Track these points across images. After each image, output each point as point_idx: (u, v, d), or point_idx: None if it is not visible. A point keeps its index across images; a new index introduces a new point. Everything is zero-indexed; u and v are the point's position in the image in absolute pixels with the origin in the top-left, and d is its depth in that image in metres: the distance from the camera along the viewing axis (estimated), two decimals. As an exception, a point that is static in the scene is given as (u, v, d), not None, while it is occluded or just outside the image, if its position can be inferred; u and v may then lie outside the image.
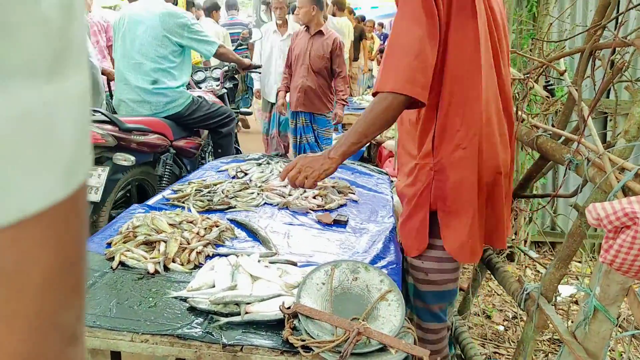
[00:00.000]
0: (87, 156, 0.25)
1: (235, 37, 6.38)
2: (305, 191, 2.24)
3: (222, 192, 2.20)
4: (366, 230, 1.94)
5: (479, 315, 2.82)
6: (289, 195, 2.24)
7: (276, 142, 4.96)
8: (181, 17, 3.28)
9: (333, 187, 2.37)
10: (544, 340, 2.65)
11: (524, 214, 3.09)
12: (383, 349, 1.16)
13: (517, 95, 2.56)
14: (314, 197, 2.22)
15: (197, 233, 1.70)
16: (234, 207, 2.09)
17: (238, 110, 4.39)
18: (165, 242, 1.62)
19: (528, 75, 2.14)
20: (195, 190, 2.21)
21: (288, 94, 4.37)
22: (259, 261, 1.54)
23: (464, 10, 1.46)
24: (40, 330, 0.23)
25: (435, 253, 1.64)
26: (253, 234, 1.83)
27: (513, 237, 3.26)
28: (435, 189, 1.58)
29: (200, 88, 4.20)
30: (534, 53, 2.68)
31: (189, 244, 1.63)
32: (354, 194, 2.36)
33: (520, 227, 3.27)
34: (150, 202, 2.13)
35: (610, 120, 3.35)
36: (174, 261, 1.56)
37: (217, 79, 4.29)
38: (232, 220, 1.93)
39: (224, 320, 1.26)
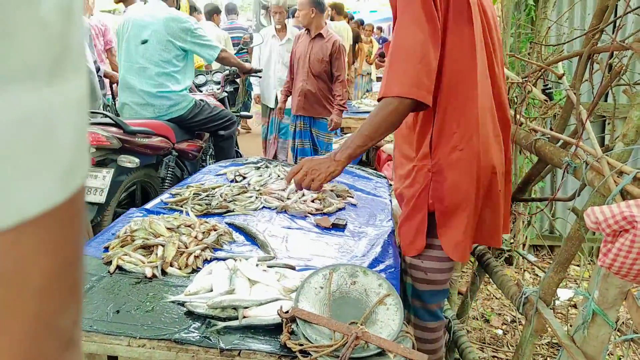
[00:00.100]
0: (85, 159, 0.25)
1: (235, 42, 6.39)
2: (303, 194, 2.23)
3: (221, 195, 2.20)
4: (365, 234, 1.94)
5: (477, 319, 2.81)
6: (288, 198, 2.23)
7: (274, 148, 4.95)
8: (185, 21, 3.33)
9: (332, 190, 2.36)
10: (542, 344, 2.65)
11: (522, 218, 3.09)
12: (381, 354, 1.16)
13: (515, 98, 2.57)
14: (313, 201, 2.21)
15: (195, 237, 1.69)
16: (233, 211, 2.08)
17: (238, 114, 4.42)
18: (163, 246, 1.61)
19: (526, 79, 2.14)
20: (194, 194, 2.20)
21: (290, 98, 4.37)
22: (257, 265, 1.53)
23: (461, 15, 1.50)
24: (38, 334, 0.23)
25: (434, 252, 1.68)
26: (251, 238, 1.83)
27: (512, 241, 3.26)
28: (433, 190, 1.61)
29: (201, 91, 4.23)
30: (532, 57, 2.69)
31: (186, 247, 1.62)
32: (352, 197, 2.35)
33: (518, 231, 3.27)
34: (148, 205, 2.13)
35: (609, 123, 3.35)
36: (171, 265, 1.55)
37: (218, 83, 4.32)
38: (230, 224, 1.92)
39: (221, 324, 1.25)
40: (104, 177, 2.69)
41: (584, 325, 1.36)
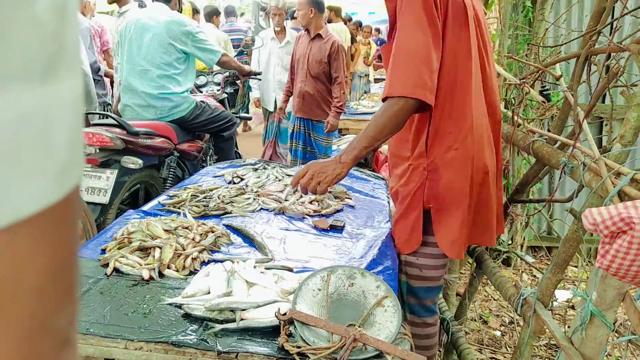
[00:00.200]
0: (80, 159, 0.25)
1: (234, 44, 6.39)
2: (301, 196, 2.23)
3: (218, 197, 2.19)
4: (363, 236, 1.94)
5: (475, 320, 2.81)
6: (285, 200, 2.23)
7: (270, 151, 4.93)
8: (186, 25, 3.37)
9: (330, 192, 2.36)
10: (540, 346, 2.65)
11: (520, 219, 3.09)
12: (379, 356, 1.16)
13: (513, 100, 2.57)
14: (310, 203, 2.21)
15: (193, 239, 1.69)
16: (230, 213, 2.08)
17: (238, 115, 4.44)
18: (160, 248, 1.61)
19: (524, 81, 2.14)
20: (191, 195, 2.20)
21: (290, 99, 4.37)
22: (254, 267, 1.53)
23: (458, 19, 1.56)
24: (34, 334, 0.23)
25: (429, 250, 1.71)
26: (249, 240, 1.82)
27: (510, 242, 3.26)
28: (428, 188, 1.65)
29: (201, 92, 4.26)
30: (530, 58, 2.69)
31: (184, 250, 1.62)
32: (350, 199, 2.35)
33: (516, 232, 3.27)
34: (146, 207, 2.12)
35: (606, 125, 3.36)
36: (169, 267, 1.55)
37: (218, 84, 4.35)
38: (227, 226, 1.92)
39: (219, 327, 1.25)
40: (107, 178, 2.71)
41: (582, 327, 1.36)
